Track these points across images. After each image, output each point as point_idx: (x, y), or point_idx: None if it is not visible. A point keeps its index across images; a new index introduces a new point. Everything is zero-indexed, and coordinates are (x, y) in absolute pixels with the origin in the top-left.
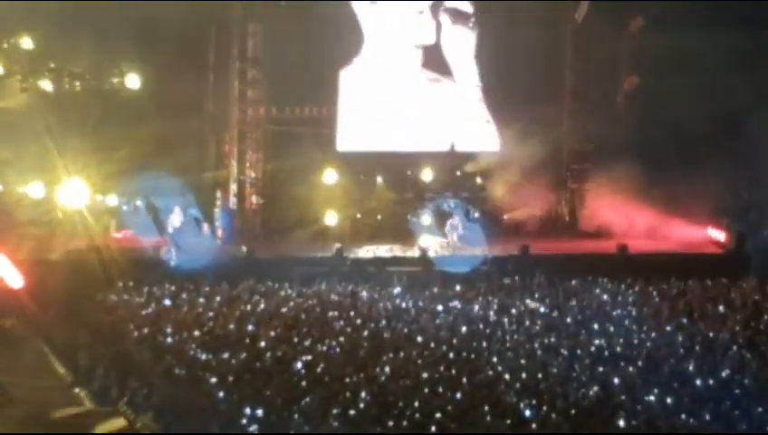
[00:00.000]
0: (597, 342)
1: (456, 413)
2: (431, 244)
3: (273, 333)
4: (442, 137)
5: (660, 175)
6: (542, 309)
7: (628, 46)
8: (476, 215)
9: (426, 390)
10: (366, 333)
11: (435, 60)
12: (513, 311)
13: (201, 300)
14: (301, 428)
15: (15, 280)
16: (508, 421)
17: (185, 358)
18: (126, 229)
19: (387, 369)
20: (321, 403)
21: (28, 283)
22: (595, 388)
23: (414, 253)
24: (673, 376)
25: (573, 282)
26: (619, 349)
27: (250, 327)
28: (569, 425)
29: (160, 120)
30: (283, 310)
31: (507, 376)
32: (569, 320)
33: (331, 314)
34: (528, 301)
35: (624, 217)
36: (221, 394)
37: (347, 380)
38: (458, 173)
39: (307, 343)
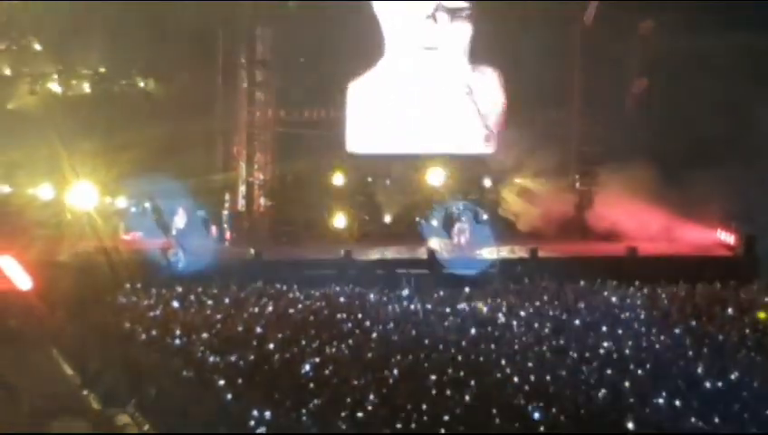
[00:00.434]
0: (605, 344)
1: (465, 416)
2: (439, 246)
3: (281, 336)
4: (451, 139)
5: (670, 177)
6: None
7: (638, 48)
8: (485, 217)
9: (434, 392)
10: (374, 335)
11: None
12: (522, 313)
13: (209, 302)
14: (309, 430)
15: (24, 282)
16: (516, 424)
17: (193, 360)
18: (134, 231)
19: (395, 371)
20: (329, 405)
21: (36, 284)
22: (604, 391)
23: (422, 255)
24: (682, 379)
25: (582, 284)
26: (627, 351)
27: (258, 329)
28: (577, 428)
29: (169, 123)
30: (291, 312)
31: (516, 378)
32: (577, 322)
33: (339, 316)
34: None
35: (633, 219)
36: (229, 396)
37: (355, 382)
38: (467, 175)
39: (315, 345)
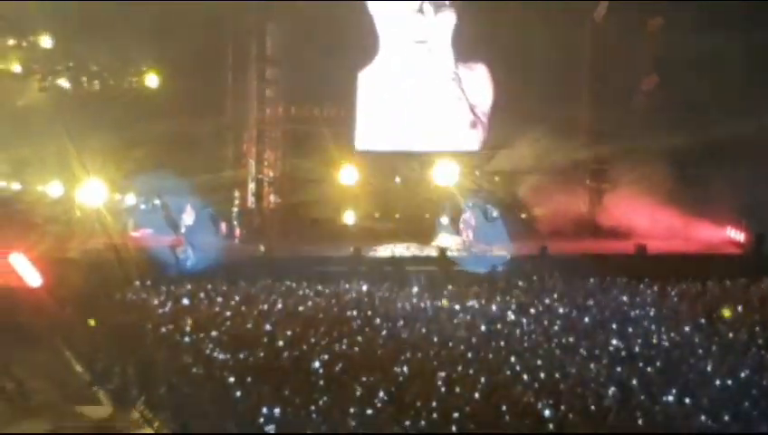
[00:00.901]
0: (615, 342)
1: (474, 413)
2: (449, 243)
3: (290, 333)
4: (460, 136)
5: (679, 175)
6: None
7: (648, 45)
8: (495, 214)
9: (443, 389)
10: (384, 332)
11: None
12: (532, 311)
13: (219, 299)
14: (318, 427)
15: (34, 278)
16: (526, 422)
17: (202, 357)
18: (143, 228)
19: (404, 368)
20: (339, 403)
21: (46, 281)
22: (613, 388)
23: (432, 252)
24: (691, 377)
25: (592, 282)
26: (637, 349)
27: (267, 326)
28: (587, 426)
29: (179, 120)
30: (301, 309)
31: (525, 376)
32: (587, 320)
33: (348, 313)
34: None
35: (643, 216)
36: (238, 393)
37: (364, 379)
38: (477, 172)
39: (324, 342)
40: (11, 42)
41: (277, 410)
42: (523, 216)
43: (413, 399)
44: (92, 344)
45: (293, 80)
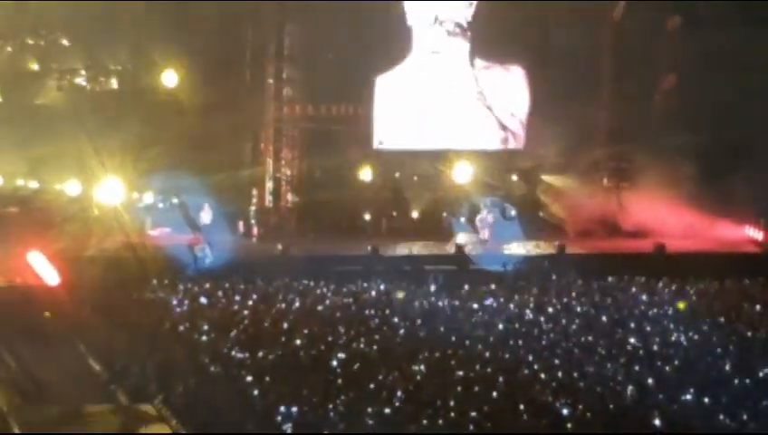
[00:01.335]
0: (633, 341)
1: (492, 412)
2: (467, 242)
3: (308, 332)
4: (479, 135)
5: (698, 174)
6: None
7: (667, 45)
8: (513, 213)
9: (461, 388)
10: (401, 331)
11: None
12: (550, 309)
13: (236, 298)
14: (336, 426)
15: (51, 277)
16: (544, 421)
17: (220, 356)
18: (161, 227)
19: (422, 367)
20: (357, 402)
21: (64, 280)
22: (631, 387)
23: (450, 251)
24: (709, 376)
25: (610, 280)
26: (655, 348)
27: (285, 325)
28: (605, 424)
29: (197, 118)
30: (319, 308)
31: (543, 375)
32: (605, 319)
33: (366, 312)
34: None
35: (661, 215)
36: (256, 392)
37: (382, 378)
38: (495, 171)
39: (342, 341)
40: (29, 40)
41: (295, 409)
42: (541, 214)
43: (431, 398)
44: (110, 343)
45: (311, 79)
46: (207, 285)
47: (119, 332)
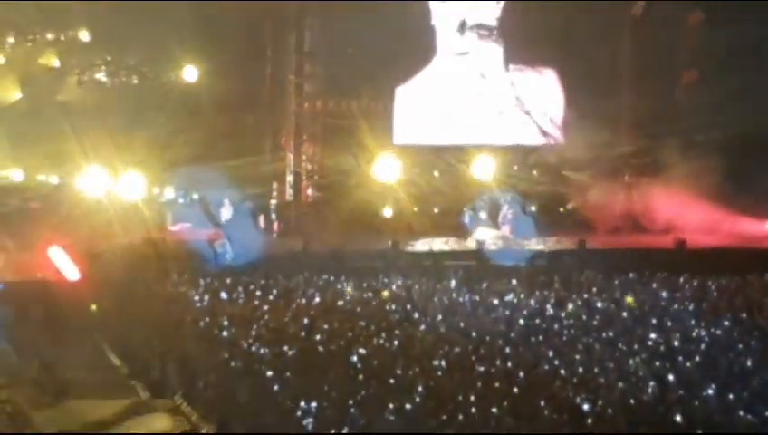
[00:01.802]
0: (654, 336)
1: (513, 408)
2: (488, 237)
3: (328, 327)
4: (499, 130)
5: (719, 169)
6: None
7: (687, 40)
8: (533, 209)
9: (481, 384)
10: (422, 326)
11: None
12: (570, 305)
13: (257, 293)
14: (356, 422)
15: (72, 272)
16: (565, 416)
17: (240, 351)
18: (182, 222)
19: (443, 363)
20: (377, 397)
21: (84, 275)
22: (652, 383)
23: (470, 246)
24: (731, 372)
25: (631, 276)
26: (676, 344)
27: (305, 321)
28: (625, 420)
29: (217, 113)
30: (339, 303)
31: (564, 371)
32: (626, 314)
33: (386, 307)
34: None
35: (682, 210)
36: (276, 388)
37: (402, 373)
38: (515, 167)
39: (363, 336)
40: (49, 36)
41: (315, 405)
42: (562, 210)
43: (451, 393)
44: (130, 338)
45: (332, 73)
46: (228, 281)
47: (139, 327)
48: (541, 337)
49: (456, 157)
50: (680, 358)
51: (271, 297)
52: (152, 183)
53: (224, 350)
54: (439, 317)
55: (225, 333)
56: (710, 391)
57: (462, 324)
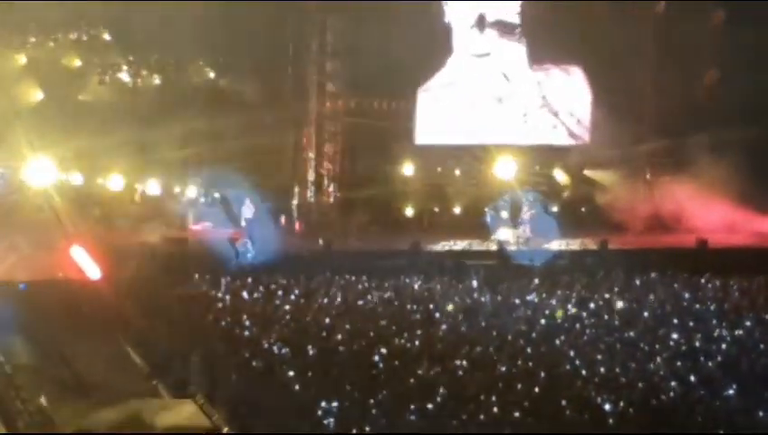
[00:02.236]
0: (676, 336)
1: (534, 407)
2: (509, 237)
3: (349, 327)
4: (521, 130)
5: (741, 168)
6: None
7: (710, 39)
8: (554, 209)
9: (503, 384)
10: (443, 326)
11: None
12: (591, 305)
13: (278, 293)
14: (377, 421)
15: (93, 271)
16: (586, 416)
17: (262, 351)
18: (203, 222)
19: (464, 363)
20: (398, 397)
21: (106, 273)
22: (674, 383)
23: (491, 246)
24: (753, 372)
25: (652, 276)
26: (698, 344)
27: (327, 320)
28: (647, 420)
29: (239, 113)
30: (360, 303)
31: (585, 370)
32: (647, 314)
33: (408, 307)
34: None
35: (704, 210)
36: (298, 387)
37: (424, 373)
38: (537, 167)
39: (384, 336)
40: (72, 36)
41: (336, 405)
42: (583, 209)
43: (473, 393)
44: (151, 337)
45: (353, 73)
46: (249, 280)
47: (160, 326)
48: (562, 337)
49: (477, 157)
50: (702, 358)
51: (292, 297)
52: (174, 183)
53: (245, 349)
54: (460, 317)
55: (246, 333)
56: (732, 391)
57: (483, 324)
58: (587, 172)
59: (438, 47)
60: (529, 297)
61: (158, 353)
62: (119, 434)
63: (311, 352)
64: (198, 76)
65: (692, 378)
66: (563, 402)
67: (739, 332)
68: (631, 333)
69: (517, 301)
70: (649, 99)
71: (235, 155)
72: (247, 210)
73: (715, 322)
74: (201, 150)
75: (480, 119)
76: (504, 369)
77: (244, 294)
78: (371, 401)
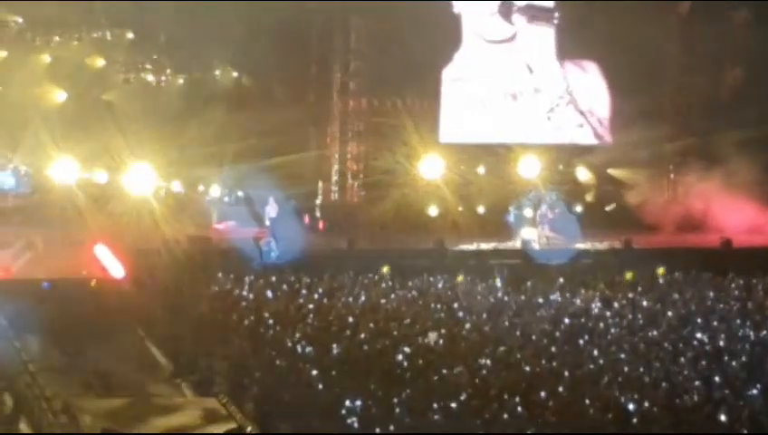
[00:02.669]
0: (700, 336)
1: (558, 407)
2: (533, 236)
3: (373, 325)
4: (545, 128)
5: (766, 168)
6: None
7: (734, 38)
8: (578, 208)
9: (526, 383)
10: (467, 325)
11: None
12: (616, 304)
13: (302, 292)
14: (401, 420)
15: (117, 270)
16: (610, 415)
17: (285, 350)
18: (227, 221)
19: (488, 362)
20: (422, 396)
21: (129, 273)
22: (697, 383)
23: (515, 245)
24: None
25: (676, 275)
26: (722, 344)
27: (350, 319)
28: (671, 420)
29: (263, 112)
30: (384, 302)
31: (609, 370)
32: (671, 314)
33: (432, 306)
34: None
35: (728, 210)
36: (321, 387)
37: (448, 372)
38: (560, 166)
39: (407, 335)
40: (95, 35)
41: (360, 403)
42: (607, 209)
43: (497, 392)
44: (175, 336)
45: (377, 72)
46: (273, 279)
47: (184, 325)
48: (586, 336)
49: (501, 155)
50: (726, 358)
51: (316, 296)
52: (198, 182)
53: (269, 349)
54: (484, 316)
55: (270, 332)
56: (755, 391)
57: (507, 323)
58: (611, 171)
59: (455, 42)
60: (552, 296)
61: (182, 352)
62: (142, 434)
63: (334, 352)
64: (222, 75)
65: (716, 378)
66: (587, 402)
67: (763, 332)
68: (655, 333)
69: (541, 300)
70: (674, 98)
71: (258, 154)
72: (271, 209)
73: (738, 321)
74: (225, 149)
75: (504, 116)
76: (527, 368)
77: (268, 293)
78: (395, 400)
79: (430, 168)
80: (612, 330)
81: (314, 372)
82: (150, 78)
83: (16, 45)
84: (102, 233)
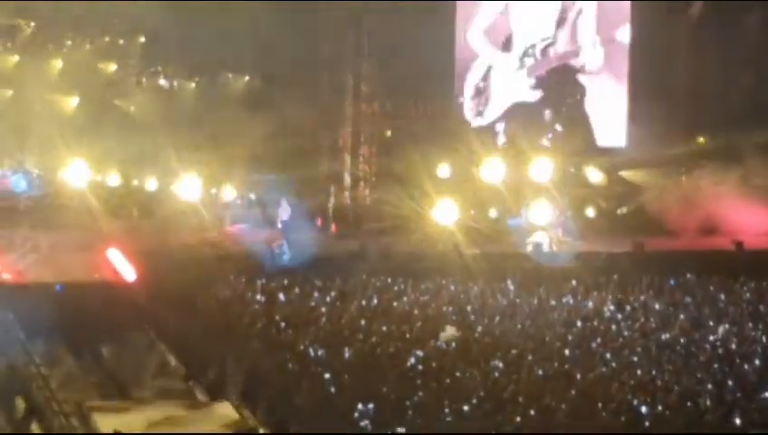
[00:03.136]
0: (712, 339)
1: (570, 409)
2: (545, 240)
3: (385, 329)
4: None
5: None
6: (552, 303)
7: (747, 40)
8: (590, 211)
9: (539, 386)
10: (480, 328)
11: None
12: (628, 307)
13: (314, 295)
14: (414, 423)
15: (129, 273)
16: (622, 418)
17: (298, 353)
18: (239, 223)
19: (500, 364)
20: (434, 399)
21: (141, 275)
22: (710, 385)
23: (527, 248)
24: None
25: (688, 278)
26: (734, 347)
27: (363, 322)
28: (683, 423)
29: (274, 115)
30: (396, 305)
31: (622, 373)
32: (683, 317)
33: (444, 309)
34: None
35: (740, 212)
36: (333, 389)
37: (460, 375)
38: (572, 169)
39: (420, 338)
40: (108, 39)
41: (372, 406)
42: (619, 211)
43: (509, 395)
44: (188, 339)
45: (389, 75)
46: (285, 282)
47: (196, 328)
48: (599, 339)
49: (513, 157)
50: (738, 360)
51: (328, 299)
52: (210, 184)
53: (281, 351)
54: (497, 319)
55: (282, 335)
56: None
57: (519, 326)
58: (623, 174)
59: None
60: (565, 299)
61: (194, 355)
62: None
63: (347, 354)
64: (234, 79)
65: (728, 381)
66: (600, 404)
67: None
68: (667, 336)
69: (553, 302)
70: (686, 100)
71: (271, 157)
72: (283, 212)
73: (751, 324)
74: (237, 152)
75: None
76: (540, 371)
77: (281, 296)
78: (407, 402)
79: (443, 170)
80: (624, 332)
81: (327, 375)
82: (163, 82)
83: (29, 50)
84: (115, 236)
